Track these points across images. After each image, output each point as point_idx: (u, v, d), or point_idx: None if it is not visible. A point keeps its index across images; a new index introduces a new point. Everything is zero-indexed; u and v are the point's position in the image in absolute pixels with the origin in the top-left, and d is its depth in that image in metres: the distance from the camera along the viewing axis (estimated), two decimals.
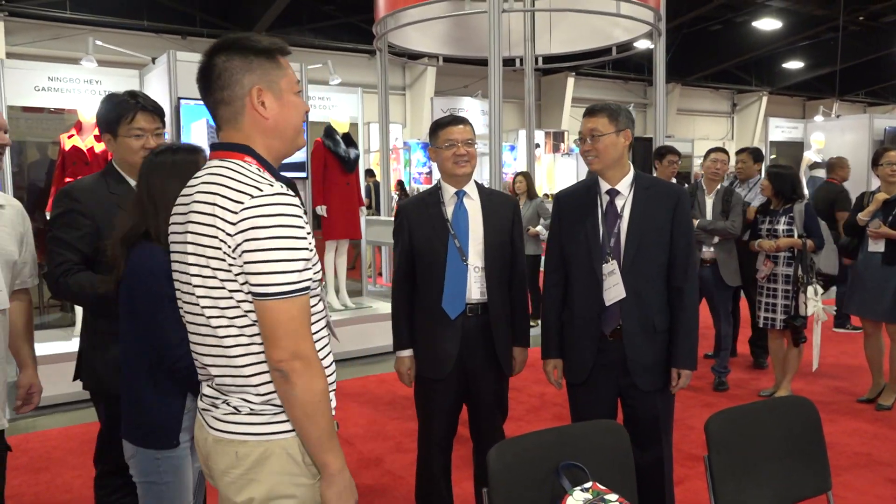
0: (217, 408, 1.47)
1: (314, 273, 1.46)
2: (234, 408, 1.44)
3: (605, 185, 2.52)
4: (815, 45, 19.08)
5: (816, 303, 4.20)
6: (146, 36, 13.90)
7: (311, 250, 1.44)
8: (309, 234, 1.43)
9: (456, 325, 2.59)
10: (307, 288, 1.40)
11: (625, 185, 2.50)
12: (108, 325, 2.27)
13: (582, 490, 1.71)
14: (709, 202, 4.74)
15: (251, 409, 1.43)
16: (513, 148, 17.64)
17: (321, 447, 1.42)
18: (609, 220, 2.49)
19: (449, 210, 2.64)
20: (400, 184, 13.23)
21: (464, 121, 2.65)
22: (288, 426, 1.43)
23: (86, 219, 2.24)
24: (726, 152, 4.91)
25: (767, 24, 16.47)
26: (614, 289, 2.44)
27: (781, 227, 4.36)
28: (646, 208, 2.47)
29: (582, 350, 2.54)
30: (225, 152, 1.46)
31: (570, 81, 19.35)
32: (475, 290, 2.61)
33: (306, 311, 1.41)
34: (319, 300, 1.54)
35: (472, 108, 15.82)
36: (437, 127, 2.65)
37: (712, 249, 4.69)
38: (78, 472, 3.58)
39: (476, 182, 2.73)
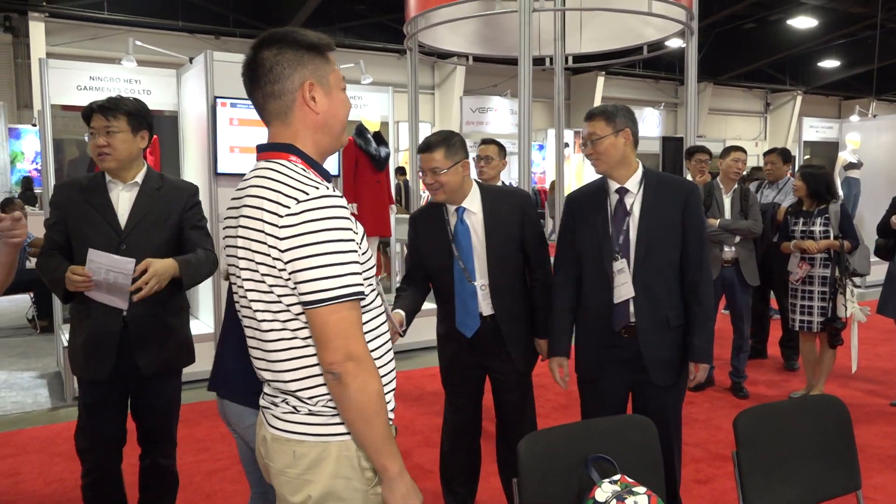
0: (277, 406, 1.47)
1: (367, 272, 1.45)
2: (293, 407, 1.44)
3: (613, 185, 2.54)
4: (852, 44, 18.71)
5: (854, 303, 4.15)
6: (181, 36, 14.17)
7: (363, 251, 1.43)
8: (357, 233, 1.41)
9: (471, 339, 2.70)
10: (360, 293, 1.37)
11: (633, 183, 2.52)
12: (76, 310, 2.50)
13: (610, 482, 1.75)
14: (727, 201, 4.69)
15: (310, 410, 1.42)
16: (542, 147, 17.60)
17: (378, 450, 1.40)
18: (618, 218, 2.51)
19: (451, 226, 2.66)
20: (401, 170, 12.88)
21: (434, 145, 2.55)
22: (344, 429, 1.43)
23: (56, 210, 2.51)
24: (745, 151, 4.86)
25: (802, 22, 16.21)
26: (624, 287, 2.47)
27: (818, 228, 4.30)
28: (656, 205, 2.48)
29: (593, 347, 2.58)
30: (271, 153, 1.45)
31: (601, 81, 19.25)
32: (484, 305, 2.67)
33: (358, 314, 1.38)
34: (377, 295, 1.53)
35: (500, 108, 15.84)
36: (419, 149, 2.64)
37: (733, 249, 4.64)
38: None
39: (479, 184, 2.69)
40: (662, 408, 2.52)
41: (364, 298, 1.41)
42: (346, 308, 1.35)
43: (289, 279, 1.36)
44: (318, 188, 1.36)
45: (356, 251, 1.38)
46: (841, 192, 9.75)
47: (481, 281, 2.63)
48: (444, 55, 10.71)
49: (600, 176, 2.59)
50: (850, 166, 9.64)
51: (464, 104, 15.55)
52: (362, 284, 1.39)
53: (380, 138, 6.47)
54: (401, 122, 12.94)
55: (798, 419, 2.09)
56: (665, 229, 2.46)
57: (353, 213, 5.43)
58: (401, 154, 13.03)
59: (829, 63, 20.50)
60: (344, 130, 1.53)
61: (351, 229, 1.37)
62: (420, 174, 2.67)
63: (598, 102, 19.31)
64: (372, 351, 1.45)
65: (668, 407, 2.54)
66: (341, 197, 1.39)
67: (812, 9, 15.62)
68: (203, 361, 5.08)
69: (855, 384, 4.95)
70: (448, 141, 2.57)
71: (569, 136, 16.96)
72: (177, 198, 2.60)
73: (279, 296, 1.39)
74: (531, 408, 2.86)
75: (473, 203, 2.64)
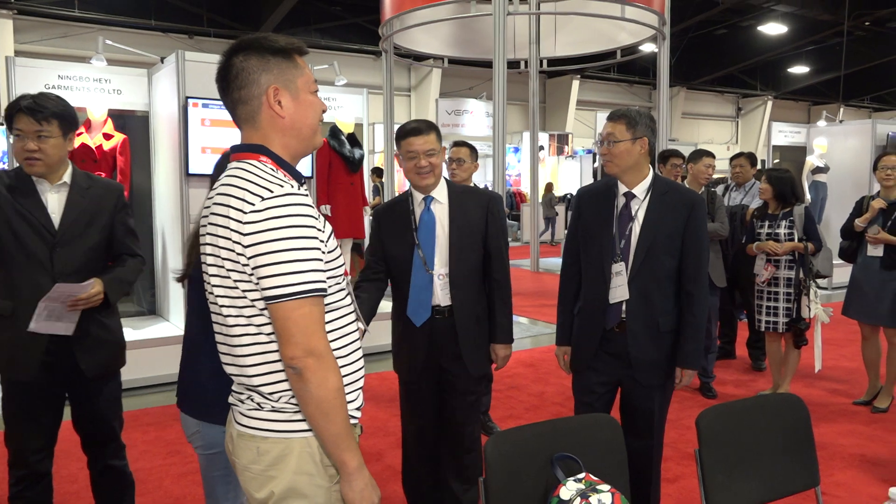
0: (243, 403, 1.49)
1: (334, 271, 1.48)
2: (258, 404, 1.46)
3: (622, 188, 2.59)
4: (821, 50, 19.11)
5: (818, 304, 4.24)
6: (154, 35, 14.03)
7: (327, 250, 1.45)
8: (322, 231, 1.43)
9: (424, 330, 2.68)
10: (321, 290, 1.39)
11: (641, 190, 2.55)
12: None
13: (575, 480, 1.77)
14: None
15: (273, 406, 1.44)
16: (517, 150, 17.67)
17: (337, 445, 1.41)
18: (622, 222, 2.56)
19: (416, 216, 2.67)
20: (378, 171, 12.62)
21: (426, 129, 2.60)
22: (307, 425, 1.44)
23: None
24: (714, 156, 4.95)
25: (773, 28, 16.50)
26: (619, 289, 2.53)
27: (783, 230, 4.40)
28: (660, 213, 2.52)
29: (587, 339, 2.65)
30: (242, 153, 1.48)
31: (575, 84, 19.41)
32: (441, 295, 2.67)
33: (320, 310, 1.40)
34: (347, 294, 1.55)
35: (476, 110, 15.90)
36: (400, 136, 2.64)
37: None
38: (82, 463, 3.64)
39: (448, 181, 2.74)
40: (646, 406, 2.59)
41: (326, 295, 1.43)
42: (308, 304, 1.37)
43: (252, 274, 1.38)
44: (282, 186, 1.39)
45: (319, 249, 1.40)
46: (808, 196, 9.96)
47: (441, 270, 2.64)
48: (420, 57, 10.74)
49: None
50: (817, 170, 9.83)
51: (439, 106, 15.58)
52: (325, 281, 1.41)
53: (354, 140, 6.46)
54: (376, 124, 12.94)
55: (759, 417, 2.13)
56: (666, 238, 2.51)
57: (326, 215, 5.40)
58: (376, 156, 12.99)
59: (799, 69, 20.90)
60: (316, 133, 1.54)
61: (314, 227, 1.39)
62: (403, 159, 2.63)
63: (572, 106, 19.49)
64: (339, 349, 1.48)
65: (652, 406, 2.59)
66: (307, 195, 1.42)
67: (782, 15, 15.91)
68: (173, 364, 5.04)
69: (820, 384, 5.06)
70: (436, 126, 2.65)
71: (543, 138, 17.09)
72: (107, 197, 2.54)
73: (244, 291, 1.41)
74: (475, 417, 2.83)
75: (442, 194, 2.68)
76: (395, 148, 2.71)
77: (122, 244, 2.56)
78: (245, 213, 1.37)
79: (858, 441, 3.98)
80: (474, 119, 15.98)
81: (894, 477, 3.48)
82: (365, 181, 7.21)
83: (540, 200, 12.51)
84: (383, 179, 10.44)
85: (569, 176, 17.60)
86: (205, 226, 1.49)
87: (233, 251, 1.39)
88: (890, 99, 24.53)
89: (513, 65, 9.54)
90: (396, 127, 3.08)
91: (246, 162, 1.46)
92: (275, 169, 1.45)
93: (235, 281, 1.41)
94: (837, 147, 9.85)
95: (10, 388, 2.46)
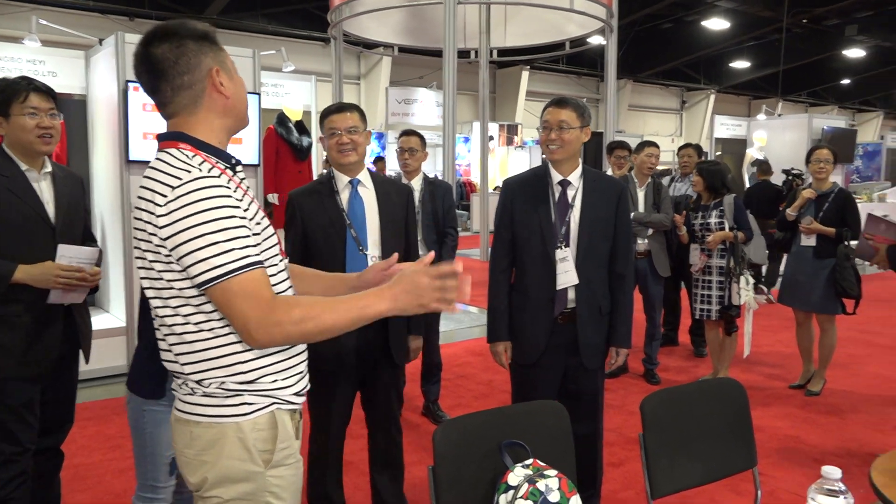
0: (180, 388, 1.49)
1: (268, 251, 1.47)
2: (191, 389, 1.46)
3: (556, 176, 2.62)
4: (761, 46, 19.68)
5: (748, 292, 4.39)
6: (92, 16, 13.48)
7: (257, 230, 1.44)
8: (246, 209, 1.41)
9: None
10: (256, 263, 1.37)
11: (575, 177, 2.63)
12: (8, 305, 2.34)
13: (523, 466, 1.79)
14: (641, 195, 4.89)
15: (204, 392, 1.44)
16: (467, 140, 17.71)
17: (361, 318, 1.40)
18: (561, 209, 2.61)
19: (344, 199, 2.59)
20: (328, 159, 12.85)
21: (349, 107, 2.59)
22: (240, 410, 1.44)
23: None
24: (658, 146, 5.06)
25: (716, 23, 16.91)
26: (567, 274, 2.58)
27: (713, 220, 4.53)
28: (594, 200, 2.61)
29: (535, 333, 2.65)
30: (162, 143, 1.47)
31: (525, 75, 19.52)
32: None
33: (259, 282, 1.37)
34: (286, 277, 1.55)
35: (426, 99, 15.86)
36: (323, 115, 2.62)
37: (646, 241, 4.84)
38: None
39: (368, 170, 2.70)
40: (592, 389, 2.69)
41: (263, 267, 1.40)
42: (242, 280, 1.34)
43: (177, 264, 1.37)
44: (190, 171, 1.37)
45: (242, 226, 1.38)
46: (748, 186, 10.28)
47: (373, 252, 2.59)
48: (370, 45, 10.63)
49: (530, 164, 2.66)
50: (756, 162, 10.14)
51: (389, 95, 15.48)
52: (258, 255, 1.39)
53: (302, 127, 6.37)
54: None
55: (700, 402, 2.20)
56: (601, 223, 2.60)
57: (274, 204, 5.31)
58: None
59: (740, 64, 21.49)
60: (247, 109, 1.58)
61: (229, 206, 1.37)
62: (326, 138, 2.57)
63: (522, 96, 19.61)
64: None
65: (597, 388, 2.72)
66: (219, 177, 1.39)
67: (724, 11, 16.32)
68: (114, 356, 4.90)
69: (757, 369, 5.24)
70: (360, 109, 2.63)
71: (493, 128, 17.17)
72: (78, 185, 2.55)
73: (169, 281, 1.40)
74: (395, 410, 2.79)
75: (367, 178, 2.65)
76: (320, 129, 2.65)
77: (87, 232, 2.57)
78: (159, 205, 1.36)
79: (793, 423, 4.15)
80: (424, 108, 15.93)
81: (826, 457, 3.64)
82: (314, 170, 7.11)
83: (491, 191, 12.57)
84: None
85: (518, 166, 17.73)
86: (133, 219, 1.48)
87: (151, 242, 1.39)
88: (825, 94, 25.49)
89: (463, 54, 9.54)
90: None
91: (164, 152, 1.44)
92: (192, 154, 1.42)
93: (159, 271, 1.40)
94: (776, 140, 10.20)
95: (14, 387, 2.33)
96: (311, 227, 2.59)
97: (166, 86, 1.45)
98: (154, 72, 1.45)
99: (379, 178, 2.73)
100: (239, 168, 1.52)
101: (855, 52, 19.25)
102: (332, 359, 2.58)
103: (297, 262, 2.58)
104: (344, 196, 2.60)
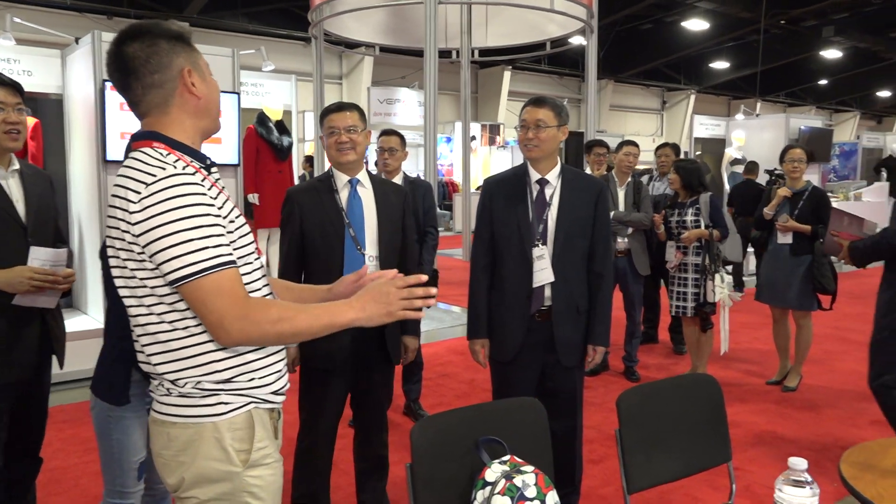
0: (157, 390, 1.49)
1: (243, 249, 1.47)
2: (167, 390, 1.46)
3: (535, 175, 2.65)
4: (740, 47, 19.88)
5: (723, 289, 4.44)
6: (68, 15, 13.32)
7: (232, 228, 1.44)
8: (221, 208, 1.42)
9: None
10: (228, 262, 1.37)
11: (553, 176, 2.65)
12: None
13: (500, 463, 1.80)
14: (621, 194, 4.92)
15: (181, 392, 1.44)
16: (449, 140, 17.71)
17: (332, 325, 1.43)
18: (538, 207, 2.63)
19: (343, 198, 2.61)
20: (310, 159, 11.97)
21: (349, 107, 2.61)
22: (216, 409, 1.44)
23: None
24: (637, 145, 5.11)
25: (695, 24, 17.06)
26: (543, 272, 2.60)
27: (689, 217, 4.58)
28: (572, 199, 2.63)
29: (513, 330, 2.67)
30: (136, 143, 1.47)
31: (507, 75, 19.58)
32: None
33: (230, 277, 1.37)
34: (262, 276, 1.55)
35: (408, 99, 15.83)
36: (323, 114, 2.64)
37: (626, 240, 4.88)
38: None
39: (367, 171, 2.72)
40: (570, 386, 2.70)
41: (236, 267, 1.40)
42: (215, 278, 1.35)
43: (150, 262, 1.37)
44: (164, 169, 1.37)
45: (217, 224, 1.38)
46: (728, 187, 10.39)
47: (371, 252, 2.60)
48: (351, 45, 10.60)
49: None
50: (735, 162, 10.26)
51: (371, 95, 15.43)
52: (231, 255, 1.39)
53: (282, 127, 6.35)
54: (306, 112, 12.72)
55: (675, 397, 2.23)
56: (579, 221, 2.62)
57: (254, 204, 5.29)
58: (306, 144, 12.76)
59: (720, 64, 21.70)
60: (220, 112, 1.59)
61: (205, 203, 1.37)
62: (326, 137, 2.58)
63: (504, 96, 19.66)
64: None
65: (575, 386, 2.73)
66: (194, 174, 1.40)
67: (704, 12, 16.47)
68: (91, 358, 4.84)
69: (735, 365, 5.31)
70: (360, 108, 2.64)
71: (476, 128, 17.19)
72: (48, 184, 2.48)
73: (142, 279, 1.40)
74: (386, 409, 2.80)
75: (365, 178, 2.67)
76: (321, 131, 2.67)
77: (58, 233, 2.50)
78: (133, 202, 1.36)
79: (770, 418, 4.21)
80: (406, 108, 15.90)
81: (801, 451, 3.69)
82: (294, 170, 7.09)
83: (473, 191, 12.59)
84: (314, 168, 10.29)
85: (501, 166, 17.77)
86: (108, 218, 1.47)
87: (124, 240, 1.39)
88: (804, 95, 25.81)
89: (445, 54, 9.55)
90: None
91: (139, 151, 1.44)
92: (166, 153, 1.42)
93: (133, 270, 1.40)
94: (754, 140, 10.31)
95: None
96: (309, 226, 2.59)
97: (137, 84, 1.45)
98: (125, 70, 1.45)
99: (377, 179, 2.74)
100: (214, 169, 1.52)
101: (832, 53, 19.50)
102: (326, 357, 2.58)
103: (294, 260, 2.62)
104: (343, 195, 2.61)
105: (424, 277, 1.49)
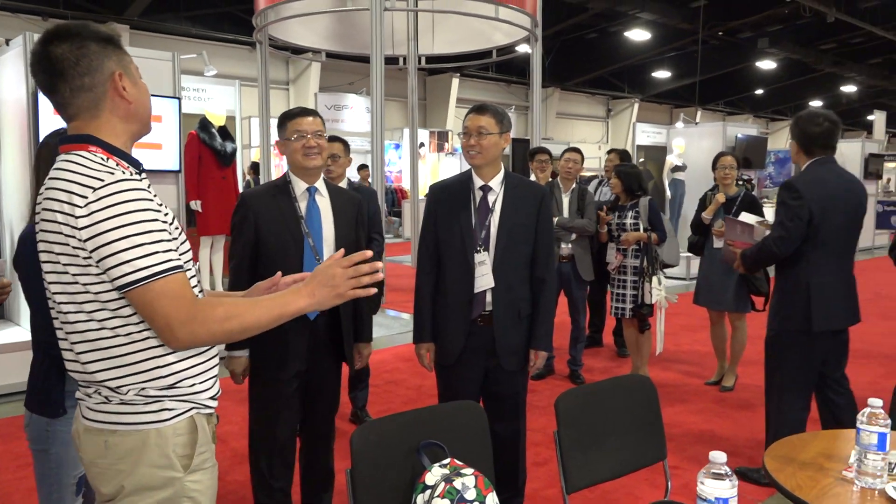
0: (90, 397, 1.46)
1: (182, 253, 1.46)
2: (105, 397, 1.43)
3: (478, 181, 2.68)
4: (680, 57, 20.47)
5: (660, 291, 4.57)
6: (0, 15, 12.84)
7: (175, 235, 1.43)
8: (166, 215, 1.42)
9: (308, 324, 2.57)
10: (177, 268, 1.37)
11: (496, 183, 2.69)
12: None
13: (440, 466, 1.82)
14: (565, 200, 5.02)
15: (122, 400, 1.42)
16: (398, 146, 17.71)
17: (282, 317, 1.44)
18: (481, 213, 2.66)
19: (302, 206, 2.60)
20: (255, 166, 11.82)
21: (314, 113, 2.62)
22: (160, 416, 1.43)
23: None
24: (579, 152, 5.22)
25: (638, 34, 17.49)
26: (484, 278, 2.63)
27: (629, 220, 4.71)
28: (514, 205, 2.67)
29: (454, 334, 2.69)
30: (70, 145, 1.44)
31: (455, 82, 19.70)
32: None
33: (181, 284, 1.37)
34: (197, 283, 1.54)
35: (357, 105, 15.78)
36: (286, 118, 2.62)
37: (570, 246, 4.97)
38: None
39: (325, 179, 2.72)
40: (513, 390, 2.74)
41: (183, 271, 1.40)
42: (162, 283, 1.35)
43: (96, 267, 1.35)
44: (113, 174, 1.37)
45: (165, 230, 1.39)
46: (669, 193, 10.68)
47: None
48: (298, 50, 10.50)
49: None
50: (675, 169, 10.56)
51: (319, 101, 15.33)
52: (178, 259, 1.40)
53: (225, 133, 6.25)
54: (251, 118, 12.54)
55: (612, 398, 2.29)
56: (521, 227, 2.66)
57: (196, 211, 5.19)
58: (252, 150, 12.57)
59: (661, 74, 22.30)
60: (151, 116, 1.57)
61: (152, 210, 1.38)
62: (291, 140, 2.55)
63: (452, 103, 19.77)
64: None
65: (517, 389, 2.76)
66: (141, 180, 1.41)
67: (646, 23, 16.89)
68: (24, 371, 4.67)
69: (676, 366, 5.46)
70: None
71: (424, 135, 17.23)
72: None
73: (85, 285, 1.38)
74: (333, 414, 2.82)
75: (322, 188, 2.67)
76: (278, 135, 2.63)
77: None
78: (79, 206, 1.33)
79: (707, 418, 4.34)
80: (354, 114, 15.86)
81: (736, 448, 3.82)
82: (239, 176, 6.98)
83: (422, 197, 12.62)
84: (259, 175, 10.14)
85: (449, 172, 17.83)
86: (38, 222, 1.43)
87: (67, 245, 1.36)
88: (741, 104, 26.73)
89: (392, 61, 9.56)
90: (273, 122, 3.00)
91: (74, 154, 1.41)
92: (105, 157, 1.41)
93: (74, 275, 1.37)
94: (693, 147, 10.62)
95: None
96: (265, 233, 2.55)
97: (65, 86, 1.42)
98: (52, 71, 1.42)
99: (333, 188, 2.73)
100: (143, 175, 1.50)
101: (767, 64, 20.25)
102: (279, 360, 2.56)
103: (247, 266, 2.56)
104: (302, 204, 2.60)
105: (370, 253, 1.49)
